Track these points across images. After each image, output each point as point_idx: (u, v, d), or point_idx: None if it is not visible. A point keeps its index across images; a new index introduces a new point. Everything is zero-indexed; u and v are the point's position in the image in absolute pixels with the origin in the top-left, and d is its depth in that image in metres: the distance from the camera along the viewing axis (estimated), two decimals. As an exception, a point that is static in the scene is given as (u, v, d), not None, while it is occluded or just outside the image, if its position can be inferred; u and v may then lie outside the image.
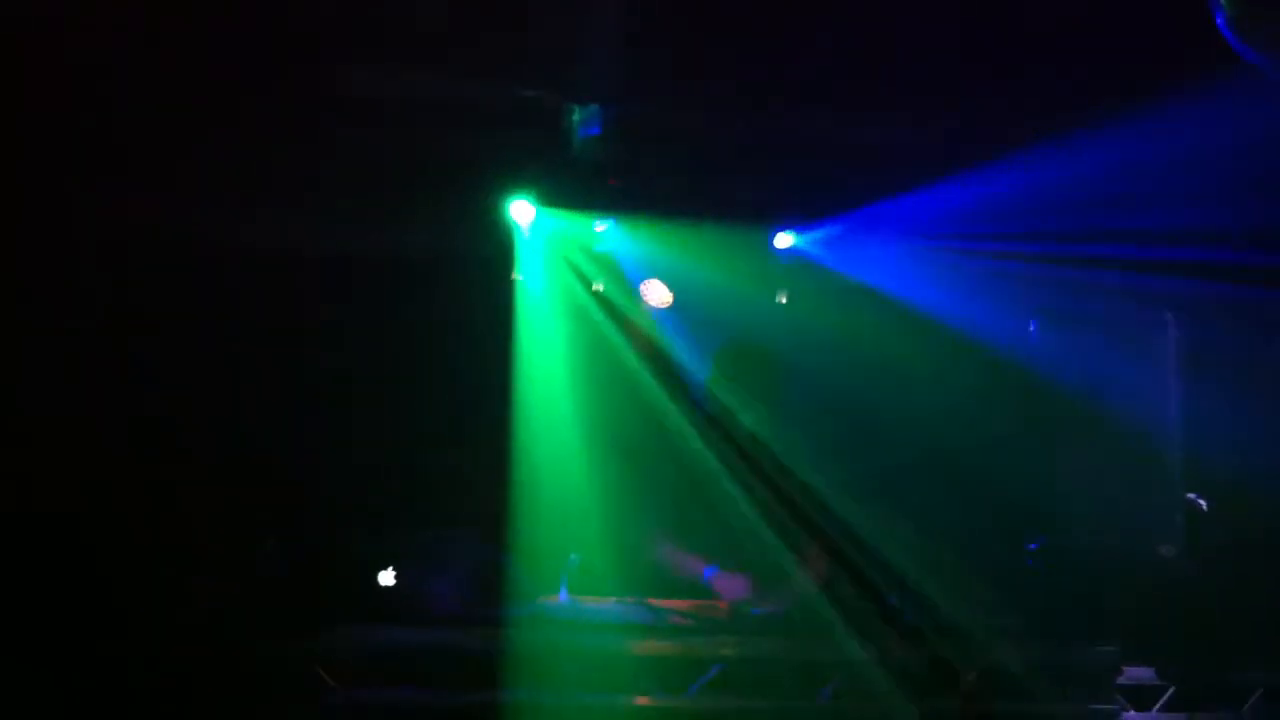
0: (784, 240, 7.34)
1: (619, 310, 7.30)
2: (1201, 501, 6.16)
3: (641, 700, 5.61)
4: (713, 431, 6.81)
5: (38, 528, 6.05)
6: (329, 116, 6.64)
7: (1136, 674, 5.97)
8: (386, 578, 6.26)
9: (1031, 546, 5.95)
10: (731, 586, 6.49)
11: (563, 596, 6.17)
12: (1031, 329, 6.52)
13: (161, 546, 6.08)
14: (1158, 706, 5.96)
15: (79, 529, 6.09)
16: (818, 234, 7.28)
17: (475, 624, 5.68)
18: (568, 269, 7.35)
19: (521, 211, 7.17)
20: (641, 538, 6.61)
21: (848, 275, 7.33)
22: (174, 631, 5.66)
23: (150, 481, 6.38)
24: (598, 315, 7.29)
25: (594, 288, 7.30)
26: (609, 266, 7.34)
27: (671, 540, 6.63)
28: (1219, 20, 4.82)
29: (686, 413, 6.92)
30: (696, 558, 6.60)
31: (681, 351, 7.12)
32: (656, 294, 7.26)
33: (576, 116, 6.75)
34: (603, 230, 7.34)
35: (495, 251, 7.20)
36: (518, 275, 7.29)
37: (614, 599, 6.19)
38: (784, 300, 7.32)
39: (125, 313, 6.66)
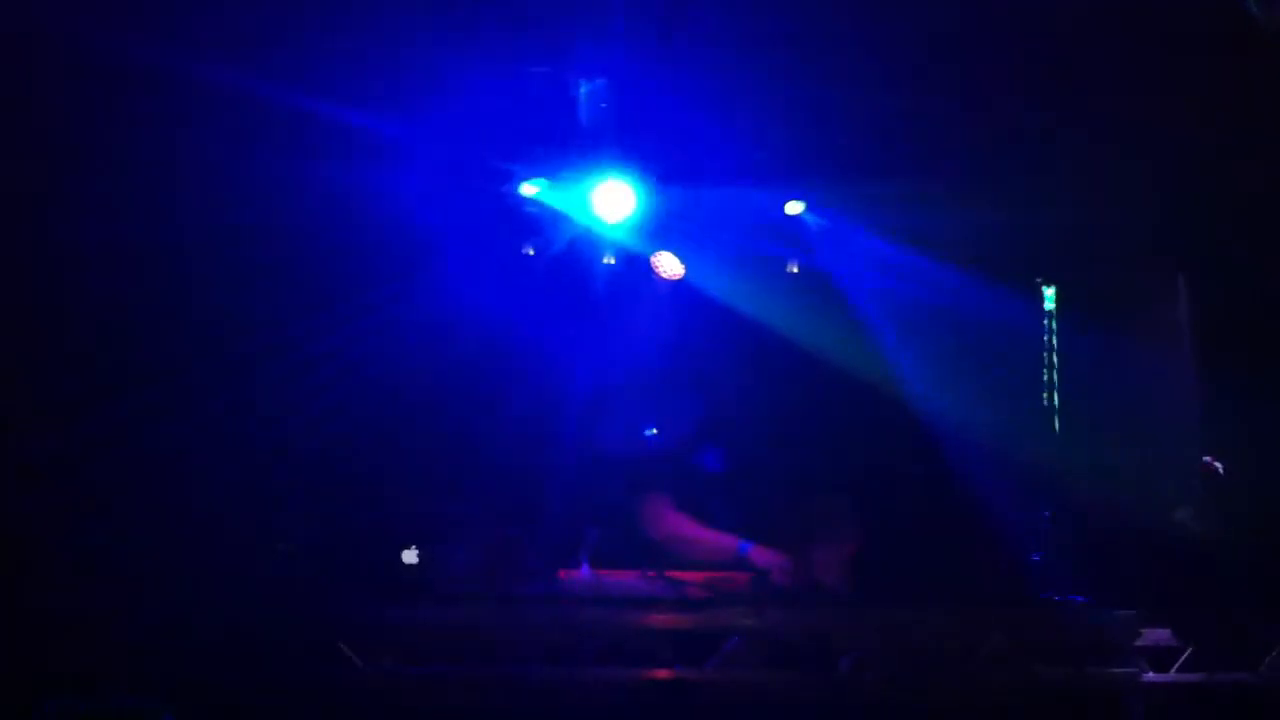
0: (794, 207, 7.30)
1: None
2: (1218, 464, 6.16)
3: (661, 673, 5.65)
4: None
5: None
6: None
7: (1155, 635, 5.99)
8: (410, 556, 6.30)
9: (1044, 514, 5.96)
10: (770, 560, 6.51)
11: (584, 571, 6.20)
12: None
13: (186, 525, 6.14)
14: (1176, 667, 5.98)
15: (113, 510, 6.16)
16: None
17: (496, 600, 5.73)
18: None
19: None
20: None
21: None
22: (199, 605, 5.72)
23: (175, 459, 6.43)
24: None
25: (605, 260, 7.30)
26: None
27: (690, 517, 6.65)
28: None
29: None
30: (721, 534, 6.61)
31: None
32: (668, 266, 7.26)
33: (584, 90, 6.71)
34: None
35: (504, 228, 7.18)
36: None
37: (635, 572, 6.22)
38: (795, 270, 7.30)
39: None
